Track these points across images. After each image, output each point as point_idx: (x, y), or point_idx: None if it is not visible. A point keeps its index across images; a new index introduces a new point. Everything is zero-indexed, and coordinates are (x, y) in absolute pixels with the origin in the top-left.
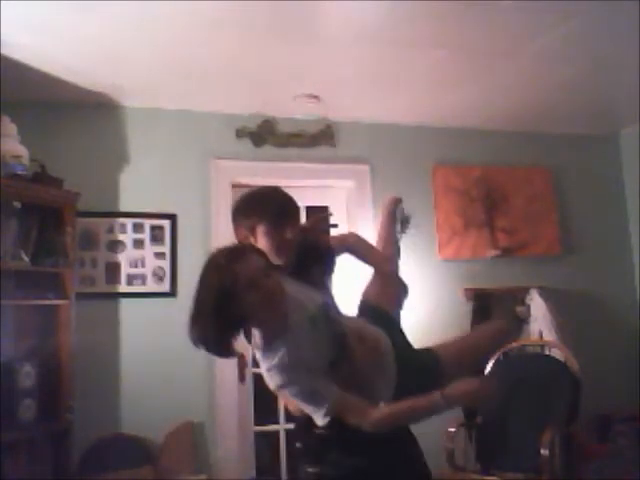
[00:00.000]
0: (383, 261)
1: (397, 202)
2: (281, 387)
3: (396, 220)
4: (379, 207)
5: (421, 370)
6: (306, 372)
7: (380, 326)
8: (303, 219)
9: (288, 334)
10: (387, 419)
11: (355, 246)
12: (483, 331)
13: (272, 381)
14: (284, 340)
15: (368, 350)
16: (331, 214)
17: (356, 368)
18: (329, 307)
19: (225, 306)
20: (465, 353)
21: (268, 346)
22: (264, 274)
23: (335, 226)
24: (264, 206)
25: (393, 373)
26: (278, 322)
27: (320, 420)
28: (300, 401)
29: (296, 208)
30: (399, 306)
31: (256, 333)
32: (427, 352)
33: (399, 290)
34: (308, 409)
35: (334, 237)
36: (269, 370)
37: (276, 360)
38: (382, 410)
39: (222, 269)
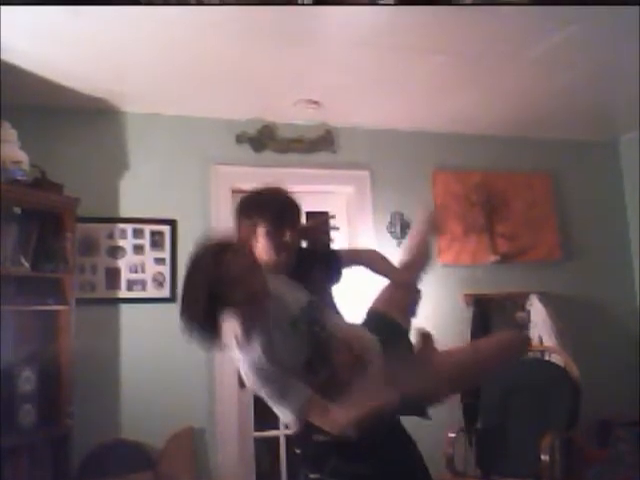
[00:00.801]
0: (401, 272)
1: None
2: (256, 386)
3: (434, 231)
4: (379, 212)
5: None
6: (280, 373)
7: (382, 335)
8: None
9: (266, 334)
10: (353, 423)
11: (369, 259)
12: (493, 343)
13: (248, 380)
14: (262, 340)
15: (351, 358)
16: (333, 216)
17: (335, 374)
18: (314, 308)
19: (212, 295)
20: (467, 369)
21: (246, 344)
22: (251, 270)
23: (337, 229)
24: (265, 207)
25: (378, 383)
26: (259, 319)
27: (291, 423)
28: (273, 402)
29: (297, 210)
30: (411, 314)
31: (237, 331)
32: (427, 367)
33: (412, 297)
34: (279, 411)
35: (351, 250)
36: (246, 370)
37: (253, 360)
38: (348, 415)
39: (212, 260)
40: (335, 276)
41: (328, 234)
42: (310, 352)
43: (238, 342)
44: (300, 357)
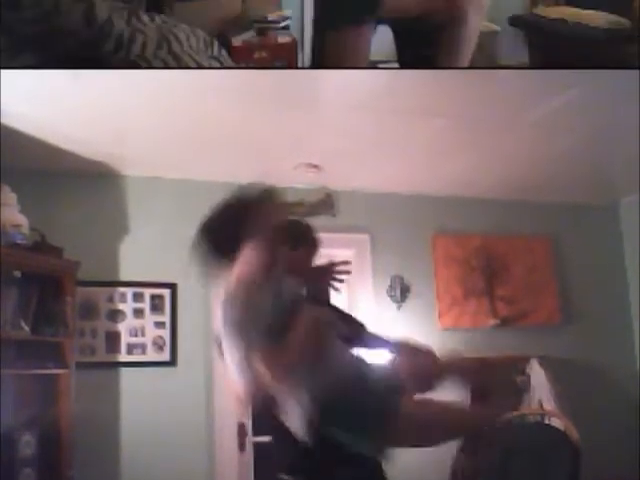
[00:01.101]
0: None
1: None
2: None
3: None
4: (379, 275)
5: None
6: (251, 333)
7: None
8: None
9: (252, 300)
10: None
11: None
12: (461, 412)
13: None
14: (247, 304)
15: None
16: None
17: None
18: (302, 299)
19: (237, 221)
20: (434, 422)
21: (232, 303)
22: (273, 226)
23: (348, 273)
24: (281, 232)
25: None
26: (257, 279)
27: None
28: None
29: (312, 238)
30: (429, 387)
31: (231, 286)
32: (394, 396)
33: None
34: (239, 384)
35: (381, 337)
36: (222, 323)
37: (233, 316)
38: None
39: (247, 201)
40: (354, 346)
41: (329, 286)
42: (285, 324)
43: (228, 296)
44: (275, 328)
